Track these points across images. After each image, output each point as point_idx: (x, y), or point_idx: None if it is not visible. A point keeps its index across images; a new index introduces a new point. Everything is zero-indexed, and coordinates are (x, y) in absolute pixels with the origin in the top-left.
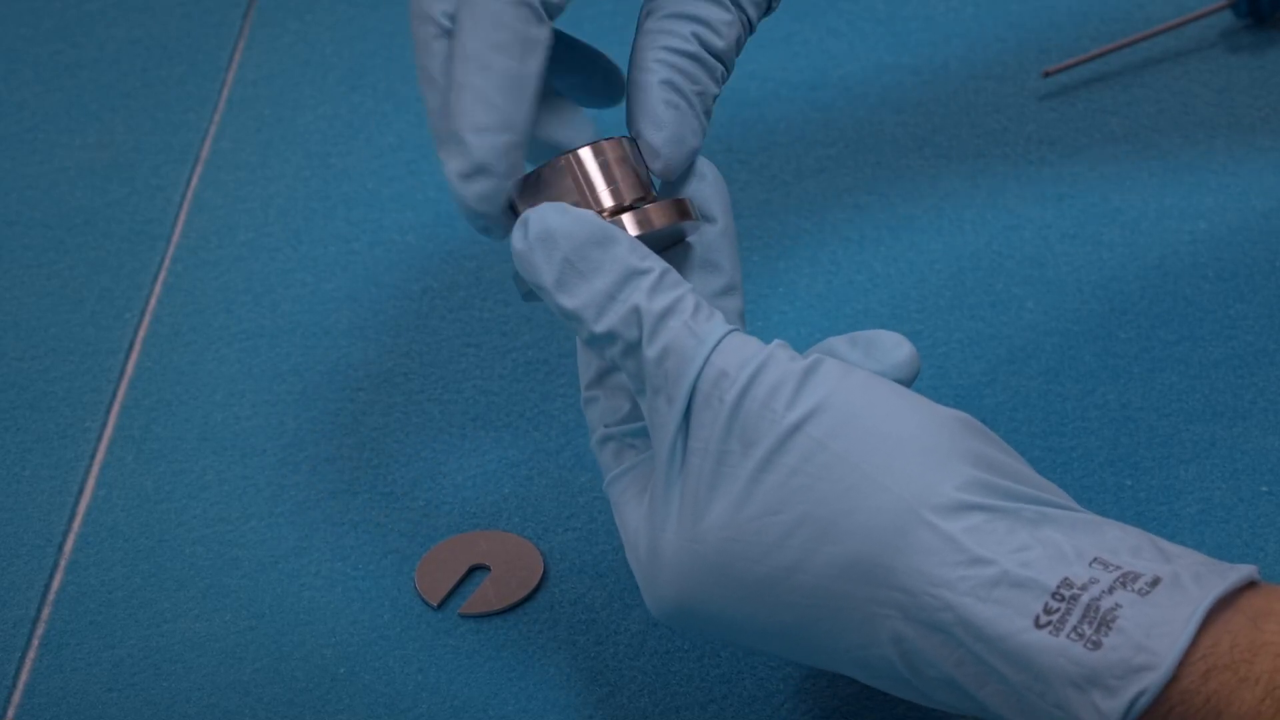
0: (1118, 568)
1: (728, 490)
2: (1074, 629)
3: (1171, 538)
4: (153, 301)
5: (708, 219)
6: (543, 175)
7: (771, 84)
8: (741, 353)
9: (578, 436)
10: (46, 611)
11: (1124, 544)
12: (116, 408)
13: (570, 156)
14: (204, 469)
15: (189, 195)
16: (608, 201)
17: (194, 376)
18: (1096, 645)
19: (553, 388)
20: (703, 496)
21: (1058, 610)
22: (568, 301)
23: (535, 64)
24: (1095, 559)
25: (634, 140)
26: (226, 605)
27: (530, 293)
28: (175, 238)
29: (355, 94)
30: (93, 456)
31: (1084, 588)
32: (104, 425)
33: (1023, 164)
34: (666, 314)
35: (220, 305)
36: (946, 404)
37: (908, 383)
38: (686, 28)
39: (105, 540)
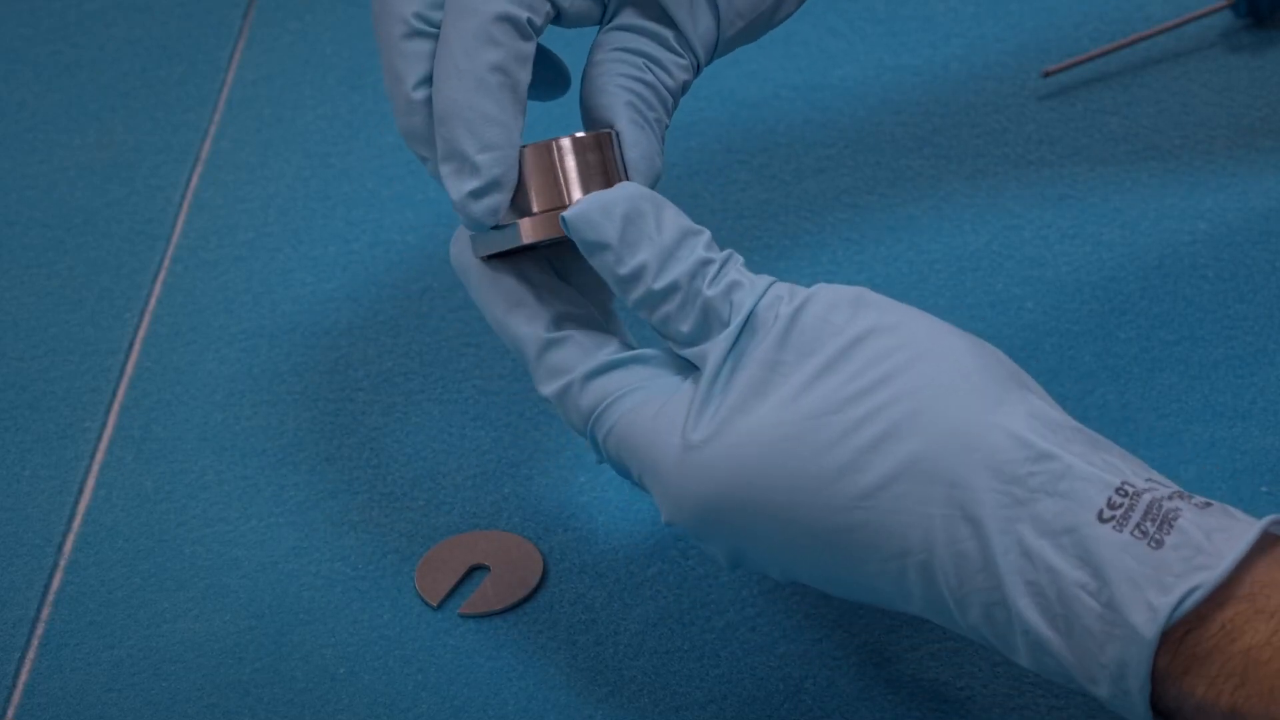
0: (1172, 485)
1: (780, 393)
2: (1137, 526)
3: None
4: (153, 301)
5: None
6: (524, 162)
7: (771, 84)
8: (794, 286)
9: (578, 437)
10: (46, 611)
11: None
12: (116, 408)
13: (553, 145)
14: (204, 469)
15: (189, 195)
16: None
17: (194, 376)
18: (1159, 544)
19: None
20: (750, 401)
21: (1121, 505)
22: (632, 258)
23: (527, 78)
24: (1149, 478)
25: (607, 136)
26: (226, 605)
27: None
28: (175, 238)
29: (355, 94)
30: (92, 456)
31: (1143, 491)
32: (104, 425)
33: (1023, 164)
34: (726, 262)
35: (220, 305)
36: None
37: None
38: (639, 60)
39: (105, 540)
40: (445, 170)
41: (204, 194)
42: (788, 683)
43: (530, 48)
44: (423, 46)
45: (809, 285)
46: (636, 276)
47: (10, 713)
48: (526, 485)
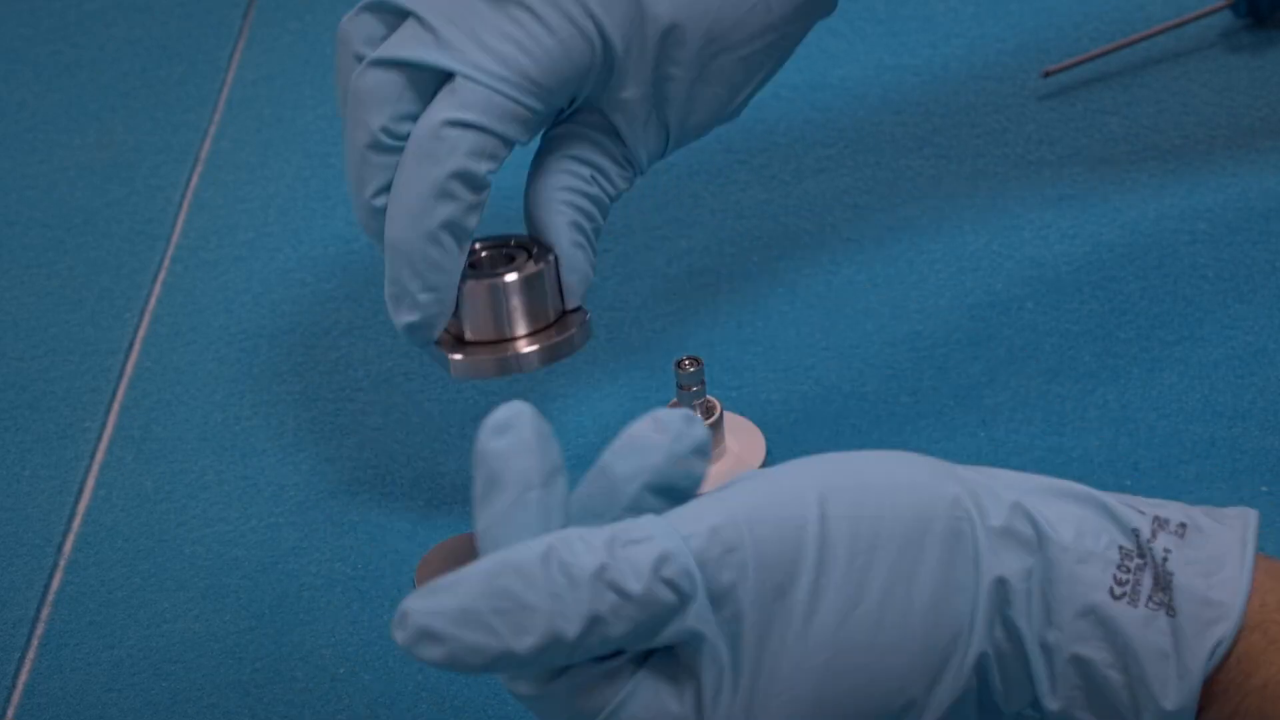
0: (1143, 510)
1: (794, 633)
2: (1149, 598)
3: None
4: (152, 301)
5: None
6: (461, 296)
7: (771, 84)
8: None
9: (577, 437)
10: (46, 611)
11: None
12: (116, 408)
13: (487, 286)
14: (204, 469)
15: (189, 195)
16: (521, 330)
17: (194, 376)
18: (1174, 611)
19: (553, 388)
20: (774, 648)
21: (1127, 582)
22: (526, 634)
23: (476, 222)
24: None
25: (545, 257)
26: (226, 605)
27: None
28: (175, 238)
29: None
30: (92, 456)
31: (1141, 550)
32: (104, 425)
33: (1023, 164)
34: (602, 575)
35: (220, 305)
36: (946, 404)
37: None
38: (586, 170)
39: (105, 540)
40: (388, 296)
41: (204, 194)
42: None
43: (484, 194)
44: (385, 159)
45: (809, 285)
46: (550, 644)
47: (10, 713)
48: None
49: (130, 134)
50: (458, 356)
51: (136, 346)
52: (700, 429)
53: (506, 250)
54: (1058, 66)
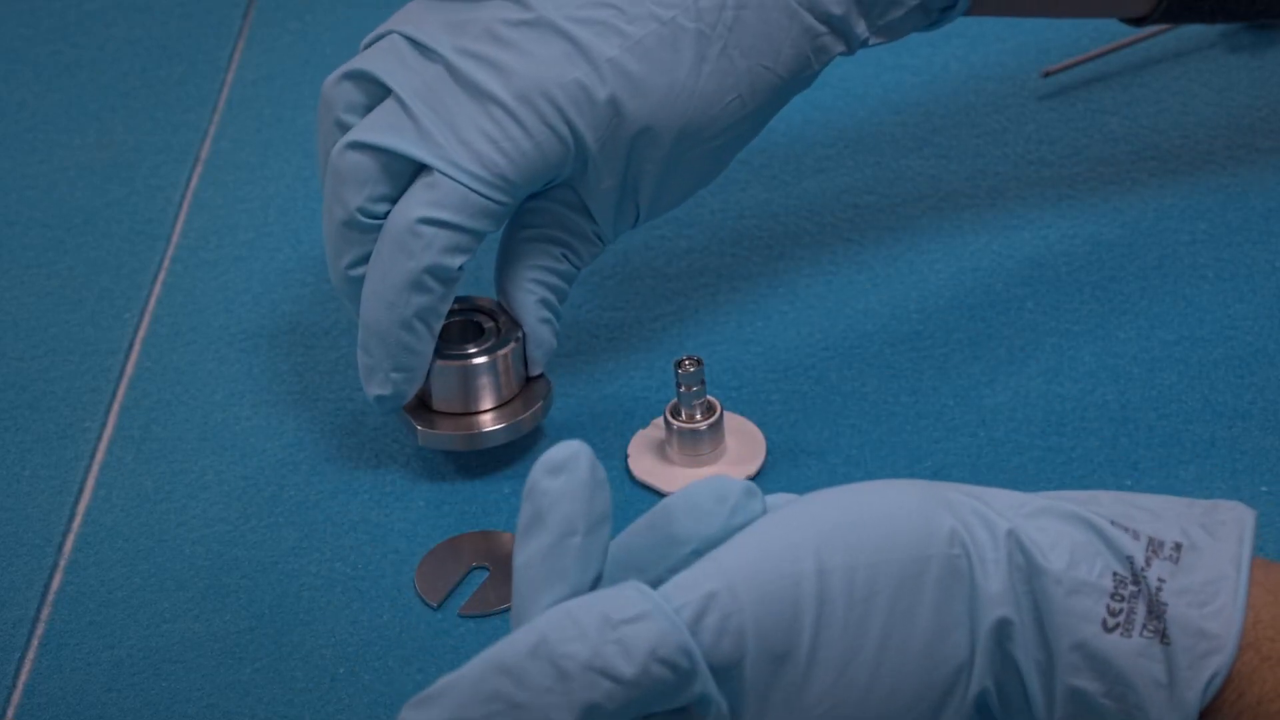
0: (1136, 535)
1: (794, 690)
2: (1144, 626)
3: None
4: (152, 301)
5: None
6: (431, 372)
7: None
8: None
9: (577, 437)
10: (46, 611)
11: (1115, 511)
12: (116, 408)
13: (457, 367)
14: (204, 469)
15: (189, 195)
16: (488, 404)
17: (194, 376)
18: (1169, 640)
19: (553, 388)
20: (775, 705)
21: (1121, 611)
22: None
23: (446, 308)
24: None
25: (514, 334)
26: (226, 605)
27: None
28: (175, 238)
29: None
30: (92, 456)
31: (1136, 578)
32: (104, 425)
33: (1023, 164)
34: (593, 663)
35: (220, 305)
36: (946, 404)
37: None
38: (557, 250)
39: (105, 540)
40: (361, 367)
41: (204, 194)
42: None
43: (455, 286)
44: (360, 236)
45: (809, 285)
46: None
47: (10, 713)
48: (523, 467)
49: (130, 134)
50: (425, 429)
51: (136, 346)
52: (759, 505)
53: (475, 318)
54: (1058, 66)
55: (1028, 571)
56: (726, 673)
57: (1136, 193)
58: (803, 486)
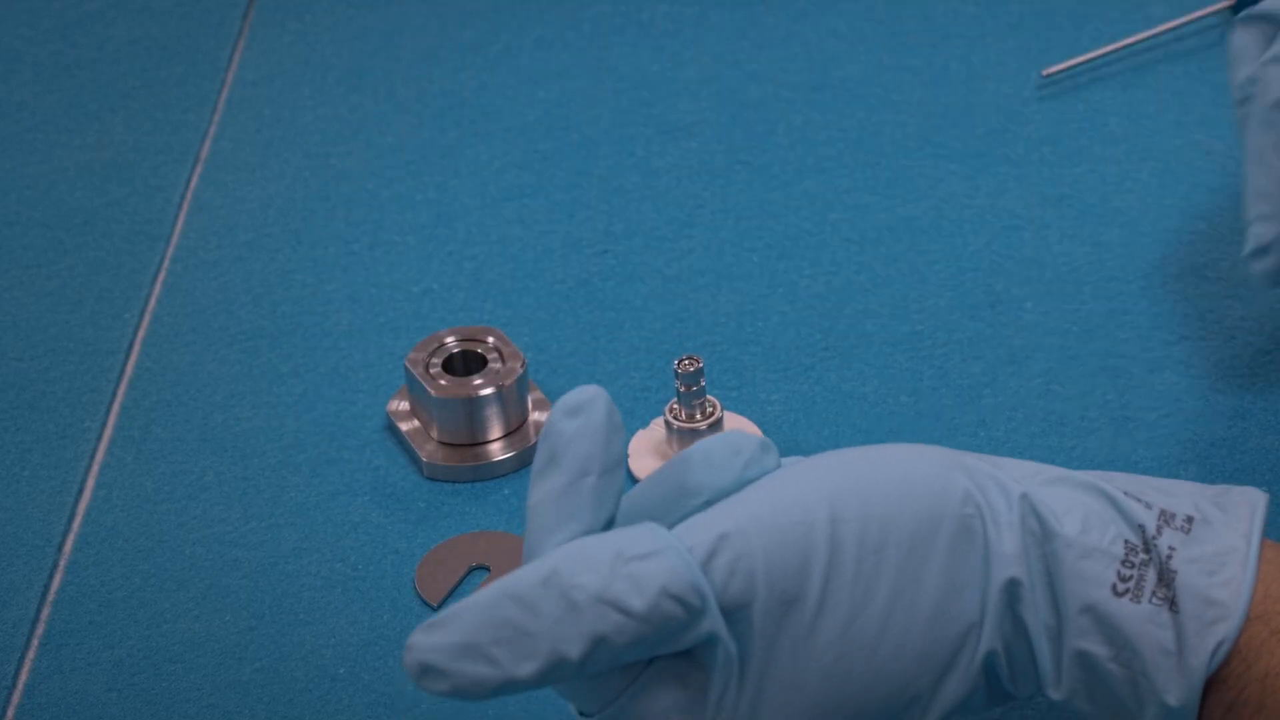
0: (1150, 505)
1: (801, 636)
2: (1153, 593)
3: None
4: (152, 301)
5: None
6: (436, 405)
7: (771, 84)
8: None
9: None
10: (46, 611)
11: (1128, 485)
12: (116, 408)
13: (462, 400)
14: (204, 469)
15: (189, 195)
16: (495, 434)
17: (194, 376)
18: (1177, 608)
19: (552, 388)
20: (782, 650)
21: (1131, 578)
22: (527, 660)
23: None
24: (1127, 491)
25: (517, 360)
26: (226, 605)
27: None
28: (175, 238)
29: (355, 94)
30: (92, 456)
31: (1147, 546)
32: (104, 425)
33: (1023, 164)
34: (604, 595)
35: (220, 305)
36: (946, 404)
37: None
38: None
39: (105, 540)
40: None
41: (204, 194)
42: None
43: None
44: None
45: (809, 285)
46: (554, 667)
47: (10, 713)
48: (526, 485)
49: (130, 134)
50: (432, 461)
51: (136, 346)
52: (774, 460)
53: (479, 348)
54: (1058, 66)
55: (1040, 535)
56: (736, 614)
57: (1136, 193)
58: None
